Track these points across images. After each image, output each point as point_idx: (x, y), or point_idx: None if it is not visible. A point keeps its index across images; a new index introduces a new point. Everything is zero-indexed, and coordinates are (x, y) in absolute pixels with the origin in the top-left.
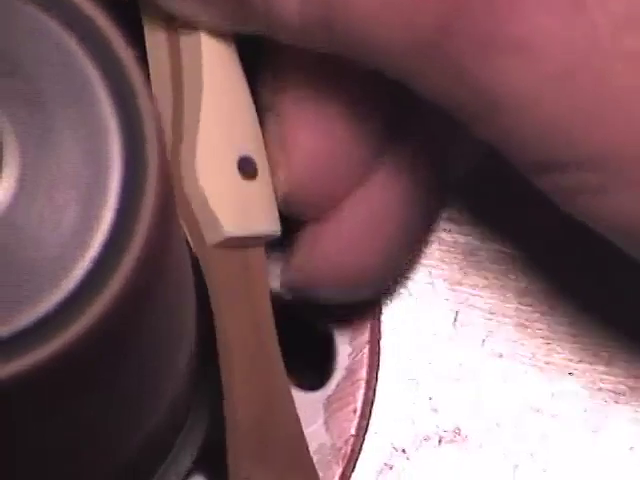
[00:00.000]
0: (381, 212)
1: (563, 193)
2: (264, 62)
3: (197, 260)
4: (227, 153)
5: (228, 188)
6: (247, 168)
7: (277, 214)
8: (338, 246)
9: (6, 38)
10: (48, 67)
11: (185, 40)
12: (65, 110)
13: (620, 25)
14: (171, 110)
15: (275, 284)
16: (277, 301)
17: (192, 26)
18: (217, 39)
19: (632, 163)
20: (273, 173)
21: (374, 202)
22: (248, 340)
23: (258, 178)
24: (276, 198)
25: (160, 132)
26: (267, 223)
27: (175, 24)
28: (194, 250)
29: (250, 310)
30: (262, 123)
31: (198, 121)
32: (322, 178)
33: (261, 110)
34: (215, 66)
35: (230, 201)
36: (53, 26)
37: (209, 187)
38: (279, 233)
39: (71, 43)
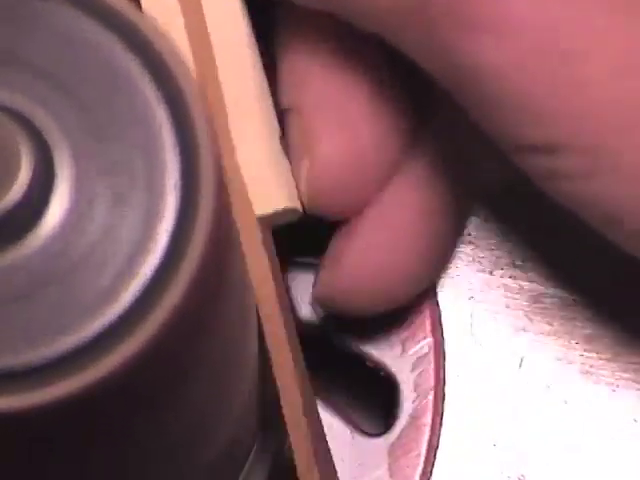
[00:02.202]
0: (404, 222)
1: (546, 176)
2: (282, 60)
3: None
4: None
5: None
6: None
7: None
8: (363, 259)
9: (67, 60)
10: (104, 85)
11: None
12: (120, 130)
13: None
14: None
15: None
16: (343, 349)
17: None
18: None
19: (614, 147)
20: (295, 173)
21: (397, 211)
22: None
23: None
24: (299, 198)
25: (217, 149)
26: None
27: None
28: None
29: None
30: (281, 120)
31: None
32: (346, 178)
33: (280, 108)
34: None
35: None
36: (111, 45)
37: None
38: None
39: (129, 62)
